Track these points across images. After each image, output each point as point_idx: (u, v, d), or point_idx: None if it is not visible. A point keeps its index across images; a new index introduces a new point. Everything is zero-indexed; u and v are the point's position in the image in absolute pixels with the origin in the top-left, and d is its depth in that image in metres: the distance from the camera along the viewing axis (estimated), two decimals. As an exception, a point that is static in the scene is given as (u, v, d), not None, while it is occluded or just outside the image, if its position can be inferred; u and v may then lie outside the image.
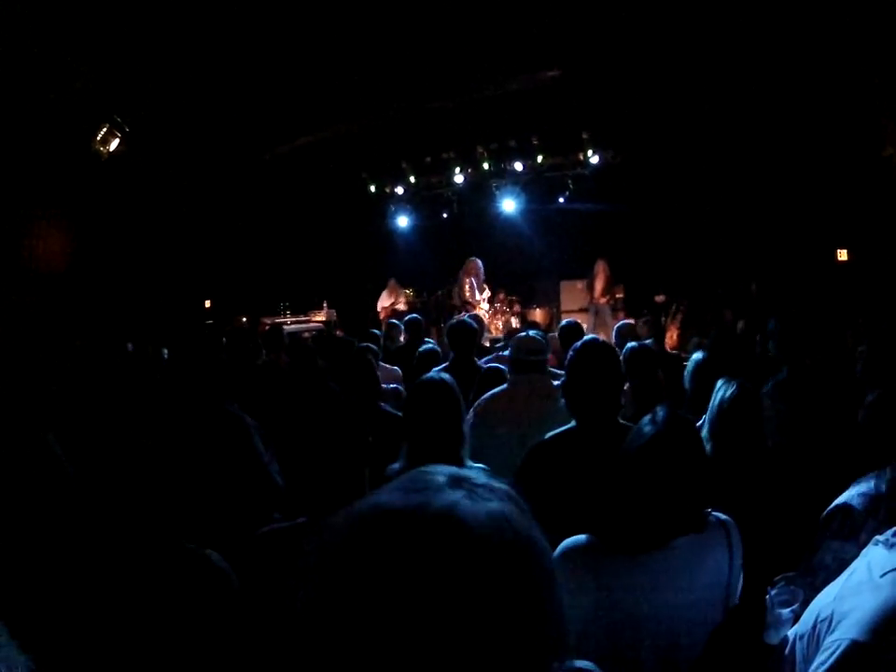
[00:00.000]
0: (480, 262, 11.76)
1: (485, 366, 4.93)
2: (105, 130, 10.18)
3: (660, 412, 1.97)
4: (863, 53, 8.20)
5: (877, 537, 1.50)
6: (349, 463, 2.12)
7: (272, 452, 3.45)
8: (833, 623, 1.40)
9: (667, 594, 1.84)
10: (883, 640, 1.27)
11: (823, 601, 1.55)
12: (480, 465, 2.70)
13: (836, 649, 1.32)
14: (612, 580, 1.84)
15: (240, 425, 3.38)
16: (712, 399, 2.88)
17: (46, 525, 1.88)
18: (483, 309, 11.54)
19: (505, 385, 3.77)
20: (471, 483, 0.71)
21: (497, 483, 0.74)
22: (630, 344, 4.42)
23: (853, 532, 2.22)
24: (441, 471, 0.73)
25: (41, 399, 3.25)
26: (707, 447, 2.78)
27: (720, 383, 2.90)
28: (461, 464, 2.64)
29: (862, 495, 2.10)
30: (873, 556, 1.47)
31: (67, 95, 9.27)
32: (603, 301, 11.67)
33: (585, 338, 2.92)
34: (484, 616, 0.62)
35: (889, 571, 1.37)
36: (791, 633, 1.68)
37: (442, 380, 2.78)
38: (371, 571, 0.64)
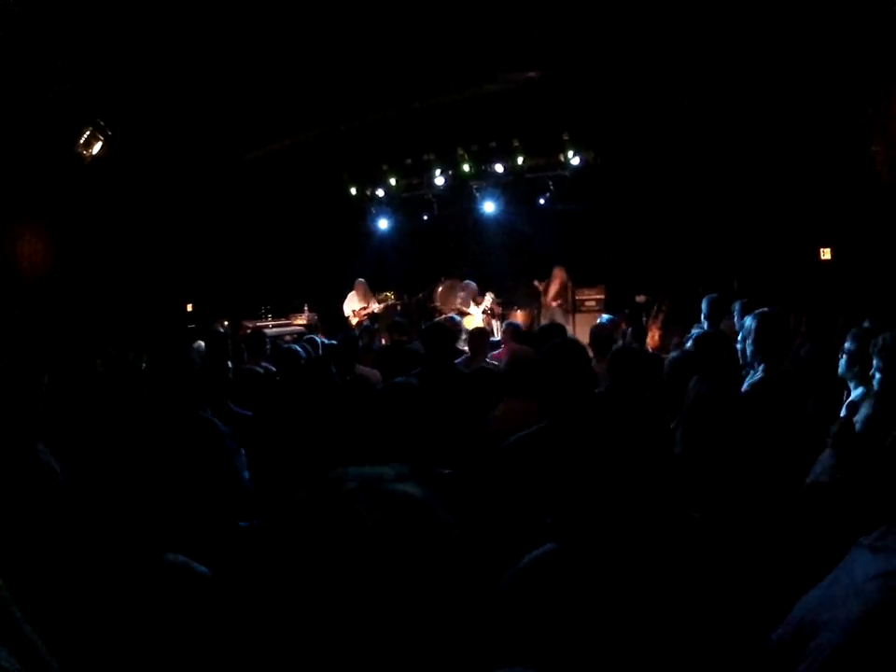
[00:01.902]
0: (473, 285, 12.13)
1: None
2: (87, 133, 10.09)
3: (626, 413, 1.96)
4: (849, 50, 8.23)
5: (862, 539, 1.47)
6: (316, 467, 2.08)
7: (244, 458, 3.42)
8: (816, 628, 1.38)
9: (644, 596, 1.80)
10: (866, 648, 1.25)
11: (807, 605, 1.53)
12: (446, 470, 2.70)
13: (819, 655, 1.30)
14: (584, 588, 1.80)
15: (212, 431, 3.33)
16: (686, 397, 2.87)
17: (36, 531, 1.88)
18: (473, 316, 11.71)
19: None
20: (374, 482, 0.79)
21: (399, 486, 0.80)
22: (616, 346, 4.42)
23: None
24: (355, 471, 0.82)
25: (29, 408, 3.21)
26: (679, 446, 2.78)
27: (692, 382, 2.89)
28: (427, 470, 2.62)
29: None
30: (857, 560, 1.44)
31: (50, 98, 9.18)
32: (555, 304, 11.91)
33: (555, 339, 2.95)
34: (362, 598, 0.69)
35: (872, 577, 1.34)
36: (774, 636, 1.65)
37: (408, 384, 2.75)
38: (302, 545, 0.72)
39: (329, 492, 0.76)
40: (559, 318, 11.36)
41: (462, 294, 12.17)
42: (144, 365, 6.23)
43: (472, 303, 11.99)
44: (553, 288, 12.03)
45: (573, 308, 12.11)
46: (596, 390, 3.84)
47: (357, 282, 12.73)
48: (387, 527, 0.73)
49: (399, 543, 0.72)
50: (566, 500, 1.99)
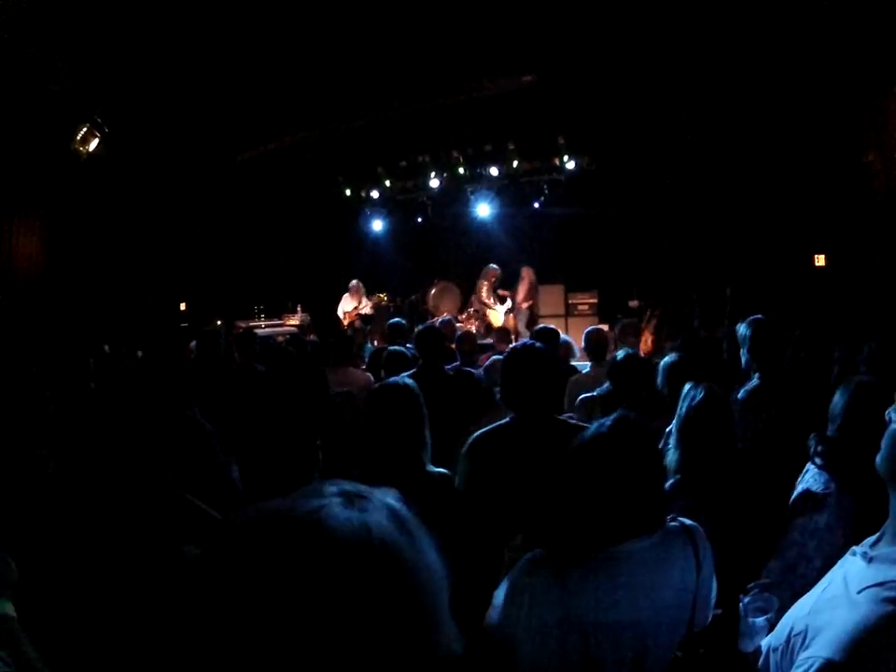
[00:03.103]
0: (497, 269, 11.96)
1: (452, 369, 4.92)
2: (84, 130, 10.07)
3: (614, 415, 1.94)
4: (845, 57, 8.25)
5: (855, 547, 1.45)
6: (300, 467, 2.09)
7: (232, 457, 3.39)
8: (808, 638, 1.36)
9: (630, 601, 1.77)
10: (858, 660, 1.23)
11: (798, 613, 1.51)
12: (441, 469, 2.70)
13: (810, 667, 1.28)
14: (574, 591, 1.77)
15: (199, 430, 3.31)
16: (679, 403, 2.85)
17: (27, 522, 1.87)
18: (497, 312, 11.65)
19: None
20: (352, 495, 0.75)
21: (380, 497, 0.77)
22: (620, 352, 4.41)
23: (817, 506, 2.25)
24: (333, 484, 0.77)
25: (27, 404, 3.21)
26: (676, 452, 2.77)
27: (687, 387, 2.87)
28: (422, 468, 2.63)
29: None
30: (849, 569, 1.42)
31: (47, 95, 9.17)
32: (525, 306, 11.78)
33: (519, 342, 3.23)
34: (334, 614, 0.66)
35: (865, 588, 1.32)
36: (764, 643, 1.64)
37: (404, 385, 2.75)
38: (244, 567, 0.68)
39: (301, 504, 0.73)
40: (523, 323, 11.36)
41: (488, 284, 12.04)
42: (135, 361, 6.25)
43: (497, 300, 11.86)
44: (522, 290, 11.90)
45: (568, 312, 12.03)
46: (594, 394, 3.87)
47: (351, 283, 12.72)
48: (361, 542, 0.70)
49: (373, 558, 0.70)
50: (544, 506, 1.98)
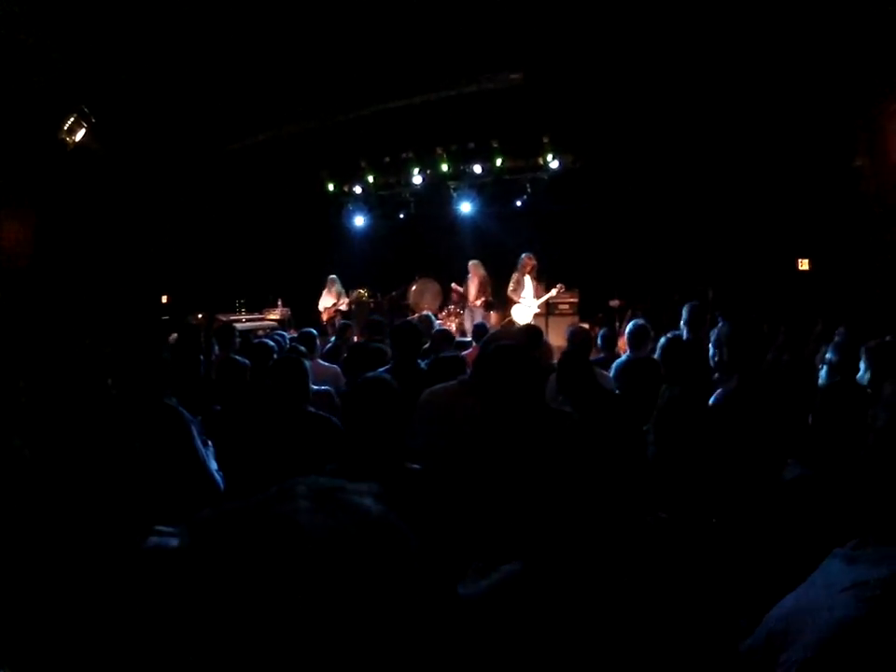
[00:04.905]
0: (531, 258, 11.32)
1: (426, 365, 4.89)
2: (72, 119, 9.98)
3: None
4: (836, 61, 8.29)
5: (837, 549, 1.45)
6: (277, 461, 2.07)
7: (211, 449, 3.37)
8: (787, 640, 1.35)
9: (617, 600, 1.75)
10: (838, 662, 1.22)
11: (777, 613, 1.50)
12: (416, 465, 2.69)
13: (790, 668, 1.27)
14: (563, 600, 1.75)
15: (178, 419, 3.28)
16: (658, 403, 2.86)
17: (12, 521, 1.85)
18: (522, 303, 11.18)
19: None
20: (326, 497, 0.74)
21: (357, 499, 0.76)
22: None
23: None
24: (309, 483, 0.77)
25: (7, 394, 3.17)
26: (650, 452, 2.78)
27: (663, 388, 2.88)
28: (401, 464, 2.62)
29: None
30: (831, 570, 1.42)
31: (34, 85, 9.08)
32: (478, 303, 11.65)
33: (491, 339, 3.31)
34: (304, 616, 0.66)
35: (846, 588, 1.31)
36: (745, 644, 1.63)
37: (383, 379, 2.74)
38: (216, 564, 0.68)
39: (276, 501, 0.73)
40: (479, 317, 11.06)
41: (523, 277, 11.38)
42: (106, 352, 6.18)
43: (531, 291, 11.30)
44: (473, 287, 11.72)
45: (549, 311, 11.93)
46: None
47: (328, 278, 12.67)
48: (334, 541, 0.70)
49: (347, 558, 0.69)
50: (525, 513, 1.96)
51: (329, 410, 3.83)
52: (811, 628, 1.31)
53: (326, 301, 12.60)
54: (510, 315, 11.12)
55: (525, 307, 11.04)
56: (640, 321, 5.73)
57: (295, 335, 7.66)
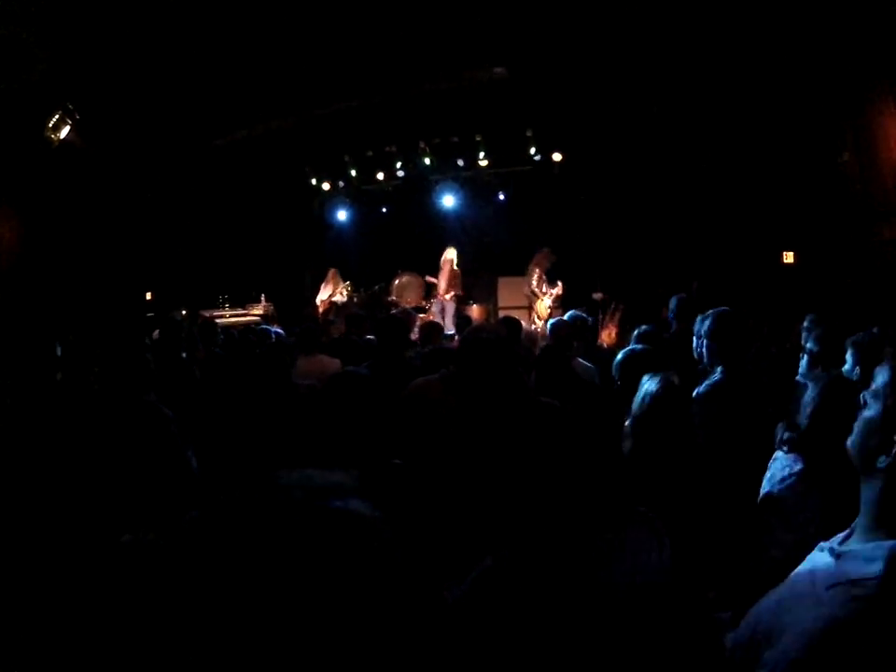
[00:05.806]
0: (548, 252, 11.43)
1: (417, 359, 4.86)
2: (57, 116, 9.91)
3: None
4: (823, 56, 8.30)
5: (822, 543, 1.42)
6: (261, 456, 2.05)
7: (191, 445, 3.33)
8: (773, 637, 1.32)
9: (603, 590, 1.72)
10: (824, 660, 1.19)
11: (762, 608, 1.48)
12: (396, 461, 2.65)
13: (775, 667, 1.24)
14: (542, 591, 1.72)
15: (157, 415, 3.24)
16: (637, 393, 2.84)
17: None
18: (544, 303, 11.20)
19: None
20: (318, 496, 0.74)
21: (344, 502, 0.76)
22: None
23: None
24: (293, 480, 0.77)
25: None
26: (629, 442, 2.76)
27: (645, 378, 2.85)
28: (380, 459, 2.56)
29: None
30: (817, 565, 1.39)
31: (19, 82, 9.00)
32: (448, 297, 11.59)
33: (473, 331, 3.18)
34: (296, 615, 0.67)
35: (833, 585, 1.28)
36: (729, 640, 1.60)
37: (357, 374, 2.71)
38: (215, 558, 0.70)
39: (269, 502, 0.74)
40: (450, 313, 11.03)
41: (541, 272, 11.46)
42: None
43: (549, 287, 11.32)
44: (443, 279, 11.61)
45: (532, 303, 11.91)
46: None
47: (329, 270, 12.73)
48: (322, 546, 0.70)
49: (335, 565, 0.70)
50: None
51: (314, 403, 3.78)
52: (798, 625, 1.28)
53: (322, 294, 12.62)
54: (536, 309, 11.13)
55: (546, 304, 11.09)
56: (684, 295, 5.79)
57: (280, 330, 7.65)
